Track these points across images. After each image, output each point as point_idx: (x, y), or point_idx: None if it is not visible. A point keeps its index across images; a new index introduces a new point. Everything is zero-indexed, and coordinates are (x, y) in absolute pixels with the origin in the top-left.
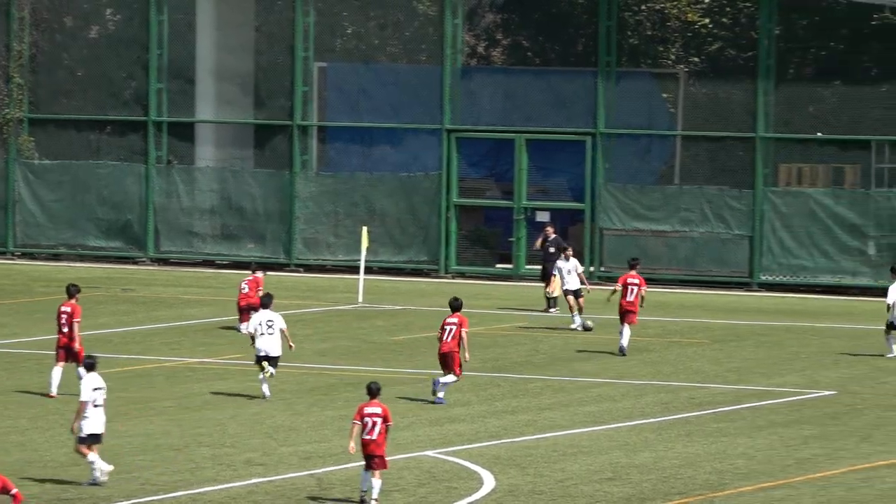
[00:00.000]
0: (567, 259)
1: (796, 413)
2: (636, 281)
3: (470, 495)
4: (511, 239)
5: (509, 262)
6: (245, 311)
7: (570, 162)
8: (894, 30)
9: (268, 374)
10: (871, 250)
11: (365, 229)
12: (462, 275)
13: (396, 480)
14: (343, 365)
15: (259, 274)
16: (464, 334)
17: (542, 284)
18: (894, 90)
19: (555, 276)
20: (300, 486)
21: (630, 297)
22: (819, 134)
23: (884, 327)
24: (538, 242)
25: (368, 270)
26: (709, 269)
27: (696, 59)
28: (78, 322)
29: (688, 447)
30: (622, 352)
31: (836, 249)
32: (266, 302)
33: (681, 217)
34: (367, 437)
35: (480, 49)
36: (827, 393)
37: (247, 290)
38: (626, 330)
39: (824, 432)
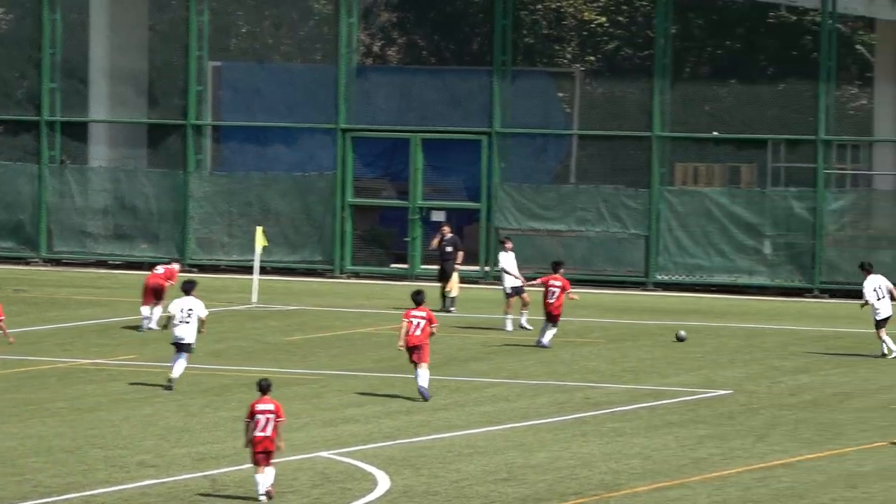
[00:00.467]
0: (507, 251)
1: (692, 413)
2: (559, 283)
3: (364, 496)
4: (406, 239)
5: (404, 262)
6: (150, 293)
7: (465, 161)
8: (791, 28)
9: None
10: (767, 249)
11: (260, 229)
12: (357, 275)
13: (290, 482)
14: (237, 366)
15: (175, 266)
16: (434, 329)
17: (440, 284)
18: (790, 89)
19: (505, 273)
20: (193, 488)
21: (552, 299)
22: (715, 133)
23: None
24: (435, 242)
25: (262, 270)
26: (604, 269)
27: (592, 58)
28: None
29: (583, 447)
30: (539, 344)
31: (733, 249)
32: (188, 288)
33: (577, 216)
34: (261, 433)
35: (376, 48)
36: (722, 392)
37: (161, 271)
38: (550, 329)
39: (720, 432)
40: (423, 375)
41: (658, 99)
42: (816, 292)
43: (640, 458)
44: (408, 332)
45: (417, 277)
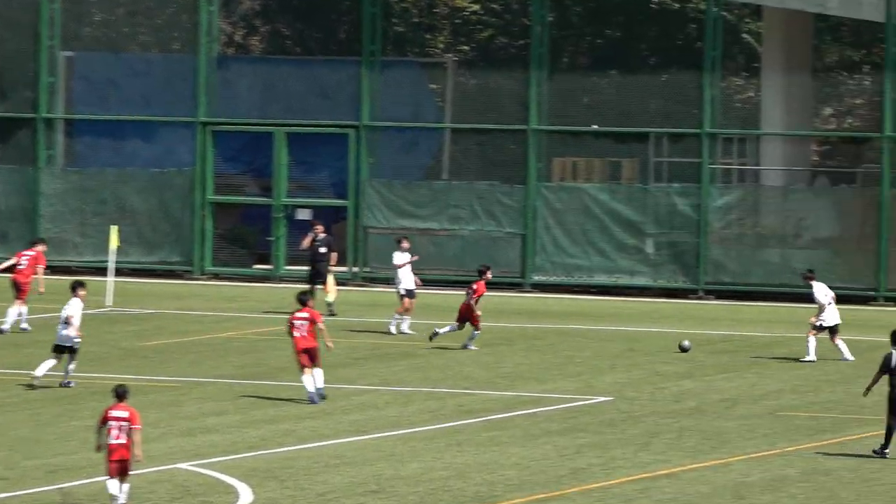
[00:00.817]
0: (405, 251)
1: (571, 420)
2: (474, 287)
3: None
4: (270, 238)
5: (268, 263)
6: (20, 289)
7: (332, 156)
8: (673, 16)
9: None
10: (650, 248)
11: (114, 228)
12: (217, 276)
13: (147, 495)
14: (90, 373)
15: (40, 247)
16: (322, 326)
17: (308, 286)
18: (674, 80)
19: (398, 273)
20: (45, 501)
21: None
22: (594, 126)
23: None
24: (306, 241)
25: (118, 272)
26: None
27: (465, 48)
28: None
29: (457, 457)
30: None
31: (613, 248)
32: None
33: (449, 214)
34: (115, 441)
35: (238, 37)
36: (603, 399)
37: (24, 265)
38: (474, 332)
39: (600, 440)
40: (318, 377)
41: (535, 90)
42: (701, 293)
43: (517, 469)
44: (292, 335)
45: (282, 279)
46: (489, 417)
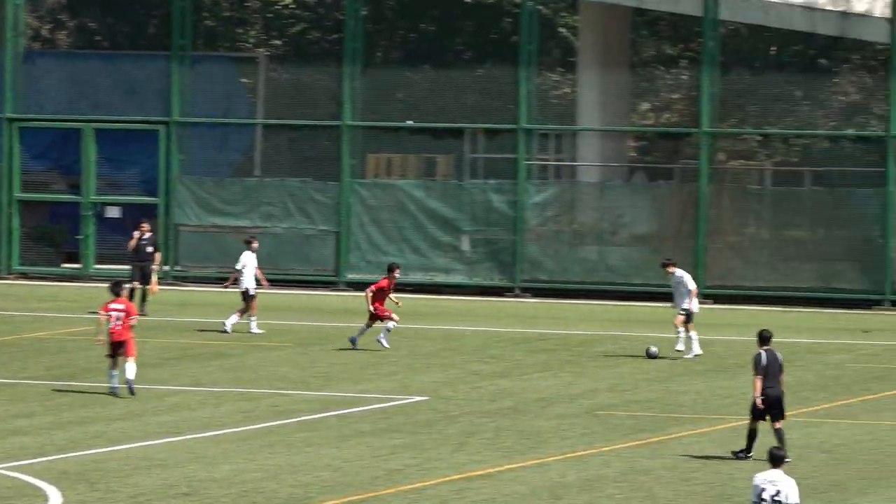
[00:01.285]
0: (254, 251)
1: (386, 421)
2: (384, 285)
3: None
4: (79, 237)
5: (77, 262)
6: None
7: (142, 153)
8: (488, 10)
9: None
10: (465, 246)
11: None
12: (25, 275)
13: None
14: None
15: None
16: (134, 322)
17: (138, 286)
18: (489, 75)
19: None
20: None
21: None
22: (409, 122)
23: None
24: (132, 242)
25: None
26: (292, 267)
27: (277, 42)
28: None
29: (270, 459)
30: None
31: (429, 245)
32: None
33: (262, 212)
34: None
35: (45, 32)
36: (418, 399)
37: None
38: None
39: (416, 441)
40: (130, 370)
41: (348, 86)
42: (517, 291)
43: (331, 470)
44: (108, 326)
45: (91, 278)
46: (303, 418)
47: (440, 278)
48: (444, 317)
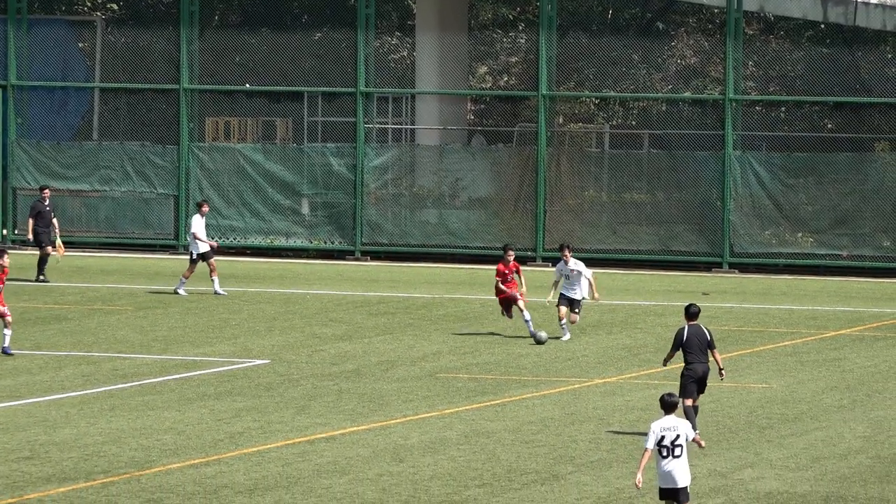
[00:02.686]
0: (203, 216)
1: (228, 384)
2: (500, 269)
3: None
4: None
5: None
6: None
7: None
8: None
9: None
10: (305, 209)
11: None
12: None
13: None
14: None
15: None
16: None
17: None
18: (327, 38)
19: (195, 237)
20: None
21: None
22: (248, 85)
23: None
24: (31, 224)
25: None
26: (131, 231)
27: (114, 6)
28: None
29: (111, 422)
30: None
31: (269, 209)
32: None
33: (101, 175)
34: None
35: None
36: (260, 362)
37: None
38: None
39: (258, 404)
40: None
41: (185, 49)
42: (357, 254)
43: (173, 434)
44: None
45: None
46: (144, 381)
47: (280, 241)
48: (284, 280)
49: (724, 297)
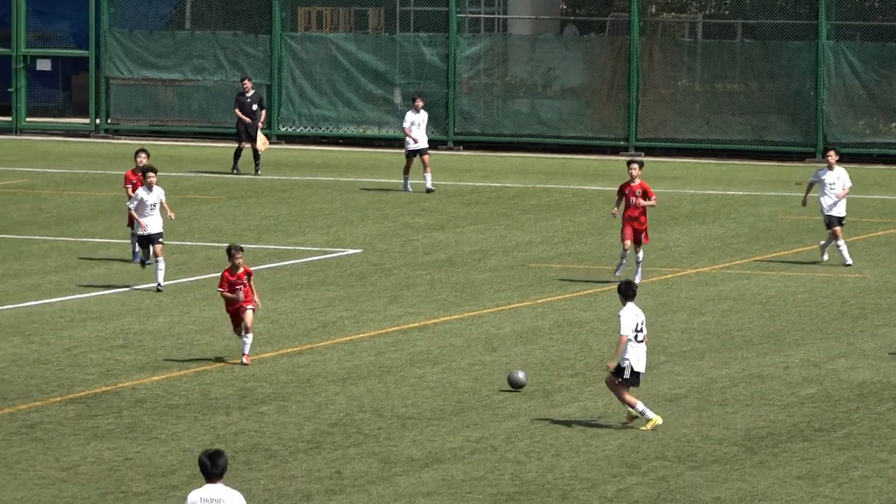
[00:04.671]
0: (418, 111)
1: (320, 273)
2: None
3: None
4: (10, 90)
5: (8, 115)
6: None
7: (72, 6)
8: None
9: None
10: (398, 99)
11: None
12: None
13: None
14: None
15: None
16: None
17: (239, 145)
18: None
19: (409, 129)
20: None
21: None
22: None
23: None
24: (238, 110)
25: None
26: (224, 120)
27: None
28: None
29: (205, 311)
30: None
31: (360, 98)
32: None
33: (193, 65)
34: None
35: None
36: (352, 251)
37: None
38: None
39: (351, 294)
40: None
41: None
42: (450, 144)
43: (267, 322)
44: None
45: (22, 131)
46: None
47: (373, 131)
48: (377, 170)
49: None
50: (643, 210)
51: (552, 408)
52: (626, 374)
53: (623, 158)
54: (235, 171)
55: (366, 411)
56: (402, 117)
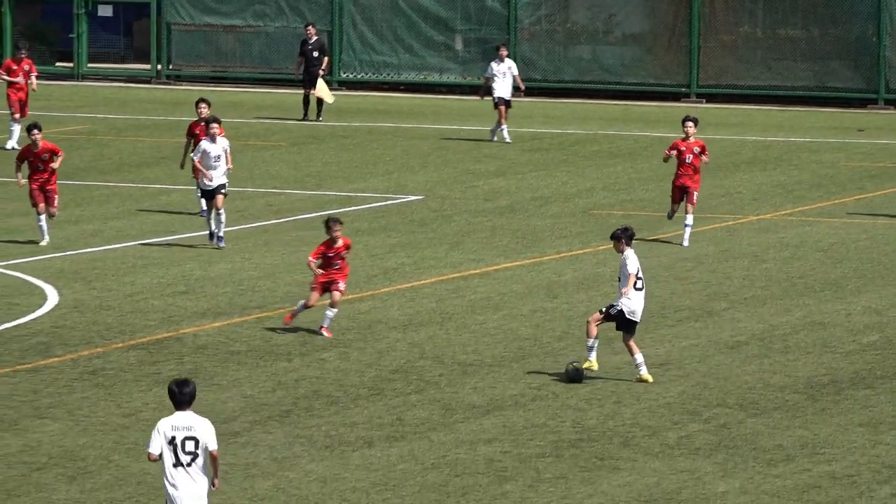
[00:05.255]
0: (502, 60)
1: (382, 220)
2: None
3: (32, 312)
4: (72, 35)
5: (70, 61)
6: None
7: None
8: None
9: None
10: (459, 45)
11: None
12: None
13: None
14: None
15: (23, 52)
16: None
17: (303, 91)
18: None
19: (490, 78)
20: None
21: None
22: None
23: None
24: (299, 63)
25: None
26: (285, 67)
27: None
28: None
29: (266, 258)
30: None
31: (422, 45)
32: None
33: (254, 11)
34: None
35: None
36: (414, 198)
37: (21, 80)
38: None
39: (412, 240)
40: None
41: None
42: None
43: None
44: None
45: (84, 77)
46: (298, 217)
47: (434, 77)
48: (438, 116)
49: (879, 134)
50: (696, 168)
51: (613, 355)
52: (613, 312)
53: (684, 105)
54: (306, 118)
55: (427, 358)
56: (463, 63)
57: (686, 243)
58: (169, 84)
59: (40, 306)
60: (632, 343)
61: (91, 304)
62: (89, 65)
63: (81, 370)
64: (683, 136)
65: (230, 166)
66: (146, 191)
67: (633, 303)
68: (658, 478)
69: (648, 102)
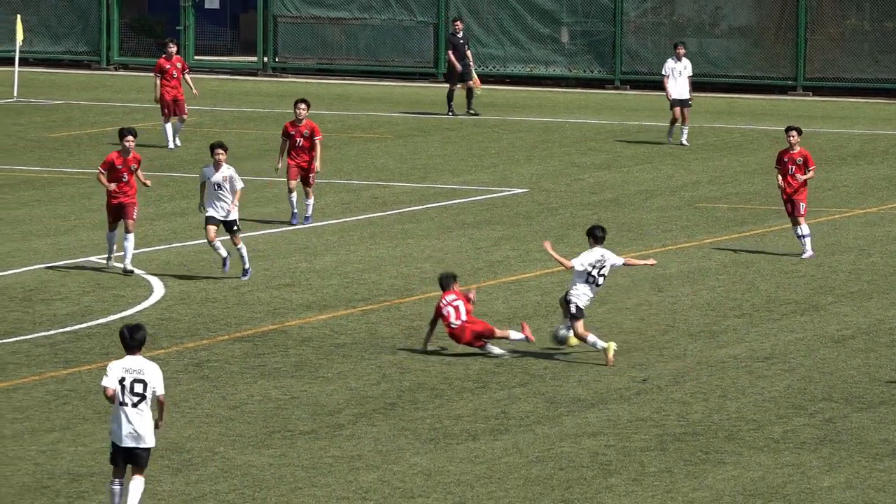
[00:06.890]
0: (679, 59)
1: (487, 213)
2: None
3: (139, 303)
4: (178, 27)
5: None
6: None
7: None
8: None
9: None
10: (565, 38)
11: (19, 18)
12: (125, 66)
13: (58, 289)
14: None
15: (173, 49)
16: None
17: (451, 86)
18: None
19: (669, 76)
20: None
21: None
22: None
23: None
24: (457, 57)
25: (24, 62)
26: (391, 59)
27: None
28: None
29: (371, 250)
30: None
31: (528, 37)
32: None
33: (360, 3)
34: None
35: None
36: (519, 191)
37: (175, 76)
38: None
39: (517, 233)
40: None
41: None
42: (617, 83)
43: (433, 262)
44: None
45: (190, 69)
46: (403, 210)
47: (540, 70)
48: (543, 109)
49: None
50: (803, 182)
51: (718, 348)
52: (573, 309)
53: (790, 98)
54: (451, 113)
55: (531, 351)
56: (569, 56)
57: (808, 253)
58: (275, 76)
59: (146, 298)
60: (580, 329)
61: (196, 297)
62: (196, 57)
63: (187, 362)
64: (787, 146)
65: (236, 203)
66: (252, 183)
67: (581, 294)
68: (763, 472)
69: (754, 95)
